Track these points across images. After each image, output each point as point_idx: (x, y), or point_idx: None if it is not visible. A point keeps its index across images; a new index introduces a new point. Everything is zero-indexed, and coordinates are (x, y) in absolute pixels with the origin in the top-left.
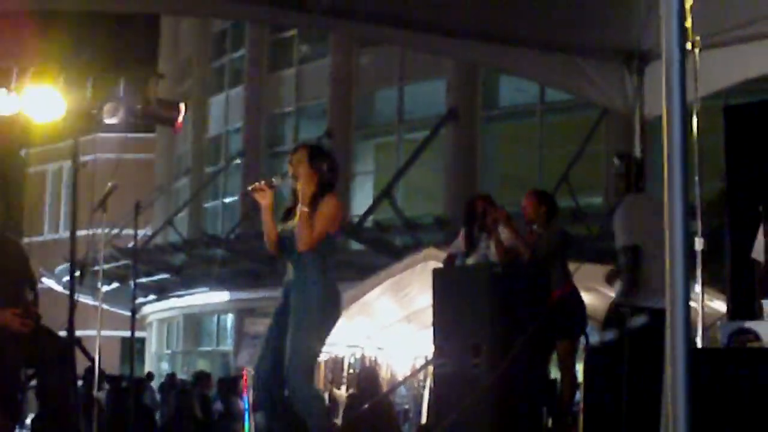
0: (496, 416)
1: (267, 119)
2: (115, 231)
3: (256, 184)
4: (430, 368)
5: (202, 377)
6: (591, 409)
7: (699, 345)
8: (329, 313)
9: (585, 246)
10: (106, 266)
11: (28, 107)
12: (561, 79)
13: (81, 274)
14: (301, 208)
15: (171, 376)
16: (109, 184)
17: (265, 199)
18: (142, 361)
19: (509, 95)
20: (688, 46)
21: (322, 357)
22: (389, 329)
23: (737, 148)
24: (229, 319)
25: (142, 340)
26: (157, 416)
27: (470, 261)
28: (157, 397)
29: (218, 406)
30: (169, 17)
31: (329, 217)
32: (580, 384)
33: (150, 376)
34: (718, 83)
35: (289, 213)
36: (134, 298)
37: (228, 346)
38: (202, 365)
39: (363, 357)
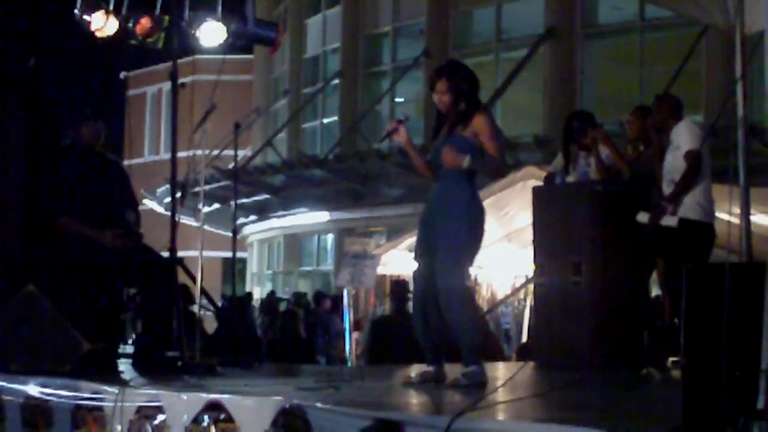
0: (596, 334)
1: (364, 39)
2: (215, 152)
3: (387, 128)
4: (531, 287)
5: (319, 297)
6: (692, 328)
7: None
8: (479, 228)
9: None
10: (206, 187)
11: (126, 29)
12: None
13: (182, 195)
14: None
15: (271, 294)
16: (209, 104)
17: (402, 137)
18: (243, 282)
19: (608, 13)
20: None
21: None
22: (489, 248)
23: None
24: (329, 238)
25: (243, 261)
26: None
27: (570, 179)
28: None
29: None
30: None
31: (493, 134)
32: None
33: (250, 296)
34: None
35: (437, 131)
36: (235, 218)
37: (328, 265)
38: (303, 285)
39: None
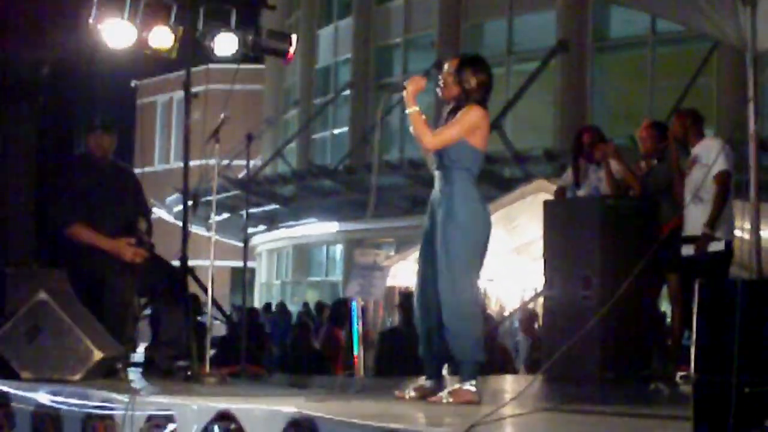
0: (605, 349)
1: (376, 51)
2: (225, 162)
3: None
4: (540, 300)
5: (321, 307)
6: (703, 344)
7: None
8: (480, 231)
9: None
10: (217, 197)
11: (140, 39)
12: (672, 10)
13: (193, 204)
14: (411, 109)
15: (281, 306)
16: (222, 115)
17: (413, 87)
18: (252, 291)
19: (620, 27)
20: None
21: None
22: (499, 260)
23: None
24: (338, 249)
25: (252, 270)
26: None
27: (581, 193)
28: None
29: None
30: None
31: (463, 123)
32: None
33: (267, 307)
34: None
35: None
36: (246, 228)
37: (337, 276)
38: (311, 295)
39: None
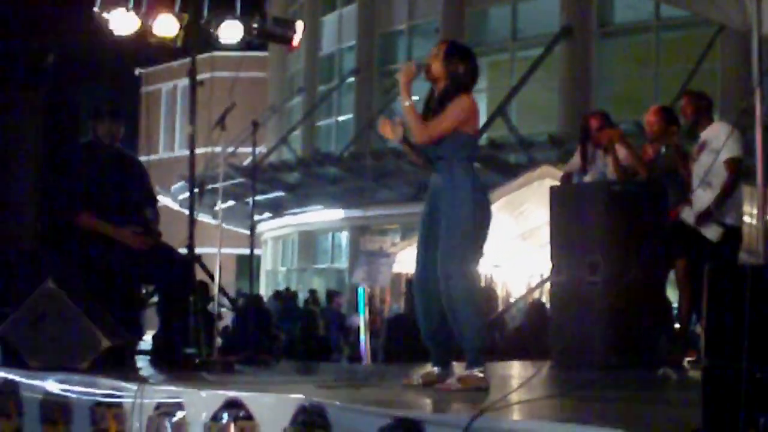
0: (612, 334)
1: (380, 37)
2: (231, 149)
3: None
4: (547, 286)
5: (332, 295)
6: (713, 329)
7: None
8: (480, 219)
9: None
10: (222, 184)
11: (145, 26)
12: None
13: (199, 192)
14: (405, 102)
15: (288, 292)
16: (229, 102)
17: (405, 77)
18: (258, 279)
19: (624, 12)
20: None
21: None
22: (505, 247)
23: None
24: (344, 236)
25: (257, 258)
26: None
27: (587, 179)
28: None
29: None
30: None
31: (452, 115)
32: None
33: (277, 294)
34: None
35: (427, 111)
36: (252, 215)
37: (343, 263)
38: (317, 283)
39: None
